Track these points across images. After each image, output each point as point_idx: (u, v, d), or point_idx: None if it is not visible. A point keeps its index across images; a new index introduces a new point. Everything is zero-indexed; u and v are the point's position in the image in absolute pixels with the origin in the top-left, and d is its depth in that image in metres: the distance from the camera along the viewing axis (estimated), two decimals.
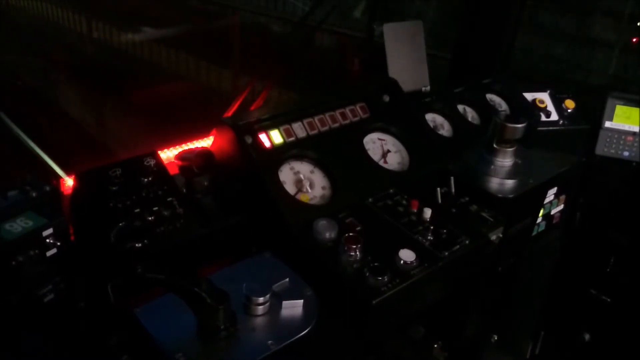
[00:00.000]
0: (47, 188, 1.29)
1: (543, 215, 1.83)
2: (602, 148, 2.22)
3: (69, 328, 1.25)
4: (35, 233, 1.20)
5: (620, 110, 2.24)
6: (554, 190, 1.79)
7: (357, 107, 1.75)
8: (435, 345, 1.84)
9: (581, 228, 2.24)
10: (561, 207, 1.89)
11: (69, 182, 1.50)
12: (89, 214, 1.38)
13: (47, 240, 1.22)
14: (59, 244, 1.24)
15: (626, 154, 2.20)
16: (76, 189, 1.42)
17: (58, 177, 1.59)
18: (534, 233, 1.84)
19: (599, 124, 2.24)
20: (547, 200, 1.80)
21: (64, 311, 1.26)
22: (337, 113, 1.71)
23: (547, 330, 2.41)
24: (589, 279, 2.32)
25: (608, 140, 2.22)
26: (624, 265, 2.23)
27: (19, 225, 1.19)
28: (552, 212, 1.87)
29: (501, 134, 1.69)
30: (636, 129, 2.21)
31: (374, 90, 1.82)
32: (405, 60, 2.08)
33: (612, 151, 2.21)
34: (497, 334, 1.96)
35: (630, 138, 2.21)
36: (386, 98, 1.82)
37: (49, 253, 1.23)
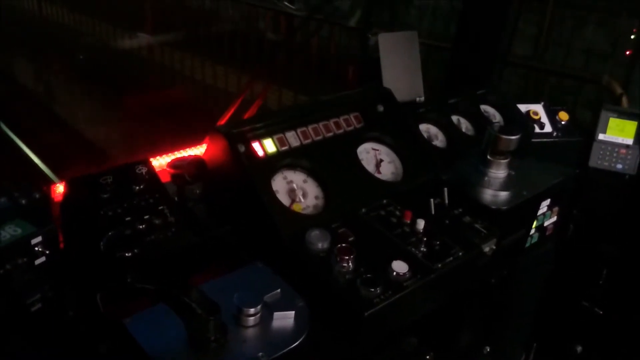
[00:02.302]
0: (37, 195, 1.28)
1: (536, 227, 1.83)
2: (596, 160, 2.23)
3: (57, 338, 1.24)
4: (23, 241, 1.18)
5: (614, 122, 2.24)
6: (547, 202, 1.79)
7: (351, 116, 1.75)
8: (428, 357, 1.83)
9: (574, 240, 2.24)
10: (554, 219, 1.89)
11: (59, 188, 1.48)
12: (79, 222, 1.36)
13: (36, 249, 1.21)
14: (47, 252, 1.22)
15: (619, 166, 2.21)
16: (66, 196, 1.40)
17: (49, 182, 1.57)
18: (527, 245, 1.84)
19: (592, 137, 2.25)
20: (540, 212, 1.80)
21: (52, 320, 1.24)
22: (331, 122, 1.70)
23: (539, 342, 2.40)
24: (582, 291, 2.32)
25: (601, 152, 2.23)
26: (616, 278, 2.23)
27: (7, 233, 1.18)
28: (545, 224, 1.87)
29: (495, 145, 1.69)
30: (629, 142, 2.22)
31: (368, 100, 1.82)
32: (400, 70, 2.08)
33: (606, 164, 2.22)
34: (489, 346, 1.96)
35: (623, 151, 2.21)
36: (380, 108, 1.82)
37: (38, 261, 1.22)
